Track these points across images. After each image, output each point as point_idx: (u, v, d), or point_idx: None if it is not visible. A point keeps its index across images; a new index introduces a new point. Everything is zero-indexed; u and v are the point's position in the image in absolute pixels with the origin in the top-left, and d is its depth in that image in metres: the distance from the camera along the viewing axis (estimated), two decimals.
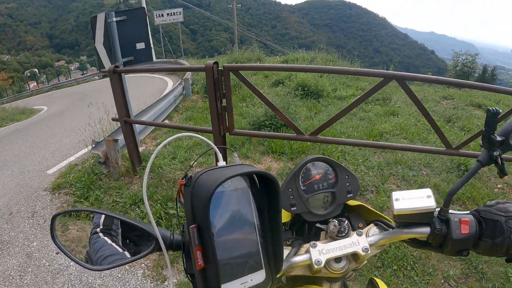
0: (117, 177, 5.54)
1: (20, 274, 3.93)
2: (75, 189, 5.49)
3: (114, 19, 5.63)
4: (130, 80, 5.31)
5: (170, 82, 15.56)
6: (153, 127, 7.64)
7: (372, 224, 1.13)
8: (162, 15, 25.03)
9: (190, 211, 0.70)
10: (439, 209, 0.99)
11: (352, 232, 1.06)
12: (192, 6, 65.00)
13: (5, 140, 10.38)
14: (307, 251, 1.02)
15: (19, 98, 31.10)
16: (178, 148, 6.27)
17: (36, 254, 4.27)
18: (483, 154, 0.97)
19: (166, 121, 8.32)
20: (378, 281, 1.24)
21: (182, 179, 0.75)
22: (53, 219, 0.88)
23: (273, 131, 6.25)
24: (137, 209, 4.66)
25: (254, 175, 0.77)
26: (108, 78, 5.03)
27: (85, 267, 0.84)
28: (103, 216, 0.90)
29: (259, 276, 0.76)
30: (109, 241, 0.86)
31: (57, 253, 4.16)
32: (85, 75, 34.00)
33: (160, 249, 0.80)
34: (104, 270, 0.86)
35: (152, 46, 6.11)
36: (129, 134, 5.22)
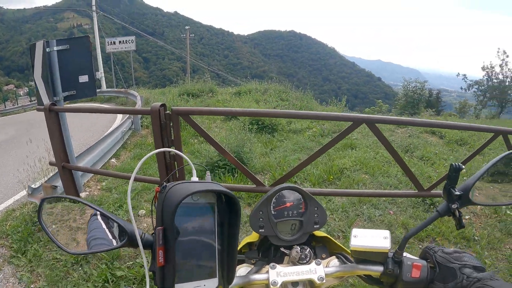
0: None
1: None
2: (12, 241, 4.85)
3: (55, 48, 5.16)
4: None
5: (119, 115, 14.98)
6: (102, 164, 7.18)
7: (334, 256, 1.19)
8: (114, 43, 24.63)
9: (160, 215, 0.76)
10: (394, 251, 1.04)
11: (312, 260, 1.11)
12: (145, 34, 64.62)
13: None
14: (267, 272, 1.09)
15: None
16: (125, 195, 5.73)
17: None
18: (443, 205, 1.03)
19: (113, 160, 7.77)
20: None
21: (159, 186, 0.85)
22: (42, 202, 0.94)
23: (228, 173, 5.86)
24: (79, 269, 4.09)
25: (222, 194, 0.83)
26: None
27: (63, 250, 0.90)
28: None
29: (212, 283, 0.83)
30: (104, 226, 0.92)
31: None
32: (33, 102, 32.71)
33: (131, 245, 0.84)
34: (79, 255, 1.09)
35: (96, 78, 5.65)
36: (68, 181, 4.70)
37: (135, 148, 8.75)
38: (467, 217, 5.26)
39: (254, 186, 3.56)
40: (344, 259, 1.15)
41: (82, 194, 5.29)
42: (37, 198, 5.08)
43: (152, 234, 0.85)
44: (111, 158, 7.85)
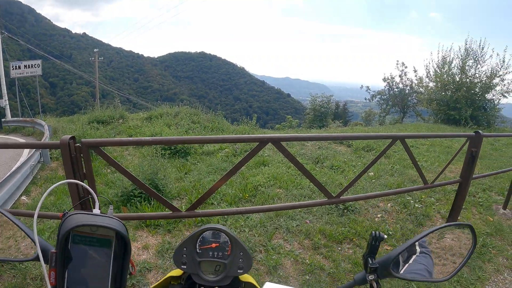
0: None
1: None
2: None
3: None
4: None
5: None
6: (12, 203, 6.68)
7: None
8: (19, 67, 23.31)
9: (57, 239, 0.81)
10: None
11: None
12: (51, 58, 61.38)
13: None
14: None
15: None
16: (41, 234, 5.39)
17: None
18: (360, 274, 1.02)
19: (23, 198, 7.30)
20: None
21: (63, 212, 0.89)
22: None
23: (144, 202, 5.75)
24: None
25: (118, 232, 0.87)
26: None
27: None
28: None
29: None
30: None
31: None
32: None
33: (38, 259, 0.89)
34: None
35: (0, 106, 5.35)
36: None
37: (46, 183, 8.24)
38: (378, 215, 5.63)
39: (171, 212, 3.54)
40: None
41: None
42: None
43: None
44: (21, 195, 7.34)
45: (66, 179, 3.40)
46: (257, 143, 3.54)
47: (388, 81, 30.21)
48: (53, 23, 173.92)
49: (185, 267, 1.24)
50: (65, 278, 0.80)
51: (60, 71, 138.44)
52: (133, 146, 10.20)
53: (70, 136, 3.14)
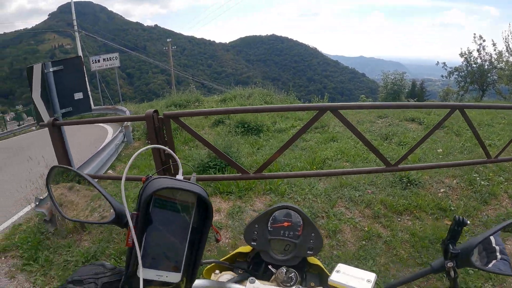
0: (65, 234, 5.31)
1: None
2: (22, 251, 5.19)
3: (51, 69, 5.52)
4: (68, 129, 5.17)
5: (109, 130, 15.23)
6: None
7: (321, 287, 1.19)
8: (99, 61, 24.83)
9: (138, 202, 0.81)
10: None
11: (297, 285, 1.10)
12: (127, 50, 64.36)
13: None
14: (245, 284, 1.09)
15: None
16: (127, 198, 6.10)
17: None
18: (438, 260, 0.97)
19: (110, 171, 8.19)
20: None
21: (145, 176, 0.87)
22: (52, 169, 1.08)
23: (218, 172, 6.27)
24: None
25: (200, 197, 0.85)
26: (46, 129, 4.90)
27: (62, 215, 1.06)
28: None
29: (175, 276, 0.85)
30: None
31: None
32: (22, 126, 32.44)
33: (118, 224, 0.93)
34: (74, 221, 1.16)
35: (89, 95, 6.02)
36: None
37: (129, 159, 8.98)
38: (442, 190, 5.58)
39: (241, 174, 4.02)
40: None
41: None
42: (44, 208, 5.43)
43: None
44: (107, 170, 8.21)
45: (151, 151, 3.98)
46: (317, 111, 3.79)
47: (466, 56, 28.00)
48: (125, 18, 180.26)
49: (255, 243, 1.27)
50: (143, 241, 0.80)
51: (136, 62, 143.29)
52: (208, 125, 10.81)
53: (154, 110, 3.73)
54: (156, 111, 3.78)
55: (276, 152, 3.97)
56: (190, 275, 0.90)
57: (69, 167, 1.16)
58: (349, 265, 1.05)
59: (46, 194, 5.60)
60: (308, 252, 1.27)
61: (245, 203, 5.45)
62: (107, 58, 25.46)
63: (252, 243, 1.28)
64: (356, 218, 4.84)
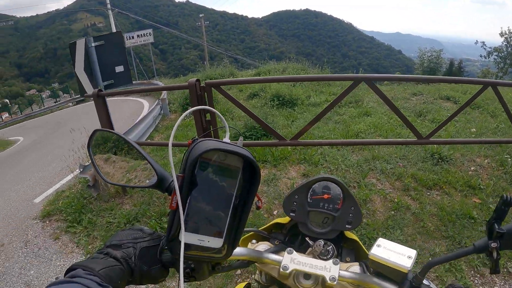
0: (107, 199, 5.61)
1: None
2: (66, 215, 5.53)
3: (93, 44, 5.76)
4: (110, 102, 5.44)
5: (146, 104, 15.61)
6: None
7: (357, 263, 1.16)
8: (133, 37, 25.11)
9: (184, 164, 0.78)
10: (415, 274, 0.97)
11: (335, 259, 1.06)
12: (160, 26, 64.90)
13: None
14: (282, 255, 1.07)
15: None
16: (164, 167, 6.32)
17: (34, 282, 4.27)
18: (481, 240, 0.92)
19: (148, 141, 8.43)
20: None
21: (191, 139, 0.84)
22: (94, 132, 1.06)
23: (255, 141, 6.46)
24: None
25: (248, 160, 0.81)
26: (82, 104, 5.15)
27: (102, 178, 1.03)
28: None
29: (217, 242, 0.83)
30: None
31: (56, 278, 4.16)
32: (58, 102, 33.32)
33: (160, 188, 0.90)
34: (114, 185, 1.08)
35: (129, 68, 6.25)
36: None
37: (167, 131, 9.49)
38: (472, 168, 5.58)
39: (278, 140, 4.26)
40: (365, 268, 1.12)
41: None
42: (88, 173, 5.75)
43: None
44: (146, 140, 8.52)
45: (193, 114, 4.21)
46: (351, 82, 3.94)
47: (506, 36, 26.57)
48: None
49: (293, 215, 1.25)
50: (186, 204, 0.78)
51: (169, 38, 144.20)
52: (244, 98, 10.98)
53: (196, 78, 3.97)
54: (198, 80, 4.01)
55: (312, 119, 4.14)
56: (232, 242, 0.86)
57: (112, 131, 1.10)
58: (388, 240, 1.01)
59: (90, 162, 5.90)
60: (347, 226, 1.26)
61: (280, 171, 5.65)
62: (141, 35, 25.67)
63: (291, 214, 1.27)
64: (387, 190, 4.96)
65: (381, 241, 1.00)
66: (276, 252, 1.13)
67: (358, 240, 1.29)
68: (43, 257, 4.78)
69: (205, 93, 4.06)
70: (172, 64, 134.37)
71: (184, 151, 0.83)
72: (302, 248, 1.23)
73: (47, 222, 5.69)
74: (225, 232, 0.83)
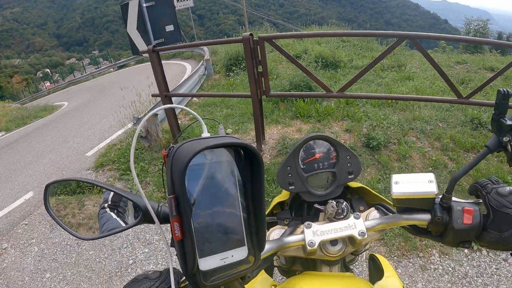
0: (158, 149, 5.93)
1: (77, 243, 4.31)
2: (119, 164, 5.93)
3: (144, 5, 6.04)
4: (149, 68, 5.71)
5: (188, 66, 15.93)
6: (186, 102, 8.25)
7: (373, 208, 1.12)
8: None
9: (170, 182, 0.67)
10: (441, 195, 0.94)
11: (350, 214, 1.02)
12: None
13: (34, 135, 10.87)
14: (302, 232, 1.00)
15: (36, 97, 31.22)
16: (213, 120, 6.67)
17: None
18: (492, 139, 0.91)
19: (194, 99, 8.83)
20: (379, 257, 1.27)
21: (165, 149, 0.74)
22: (46, 188, 0.90)
23: (298, 98, 6.68)
24: None
25: (240, 148, 0.73)
26: (125, 69, 5.41)
27: (75, 236, 0.88)
28: (111, 193, 0.89)
29: (241, 252, 0.74)
30: (114, 216, 0.87)
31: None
32: (100, 68, 34.10)
33: (147, 221, 0.78)
34: (92, 239, 0.90)
35: (179, 27, 6.51)
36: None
37: (212, 89, 9.79)
38: None
39: (325, 92, 4.60)
40: (384, 210, 1.09)
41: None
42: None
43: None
44: (191, 98, 8.81)
45: (247, 65, 4.49)
46: (396, 39, 4.07)
47: None
48: None
49: (293, 187, 1.18)
50: (192, 226, 0.66)
51: (206, 3, 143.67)
52: (286, 60, 11.08)
53: (249, 33, 4.28)
54: (251, 34, 4.30)
55: (358, 73, 4.38)
56: (258, 244, 0.77)
57: (69, 178, 0.96)
58: (400, 173, 0.99)
59: (143, 114, 6.26)
60: (349, 177, 1.20)
61: (323, 126, 5.91)
62: None
63: (290, 187, 1.18)
64: (425, 148, 5.11)
65: (396, 177, 0.95)
66: (293, 232, 1.06)
67: (363, 186, 1.26)
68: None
69: (258, 46, 4.34)
70: (210, 30, 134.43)
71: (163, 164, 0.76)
72: (314, 217, 1.20)
73: (101, 172, 6.08)
74: (245, 237, 0.74)
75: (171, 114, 5.78)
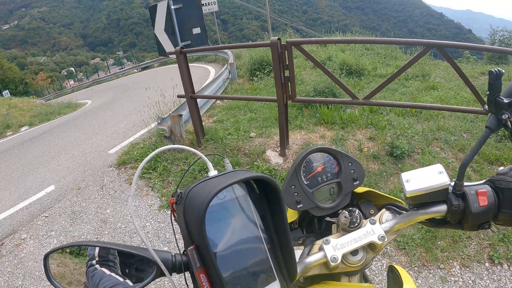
0: (181, 150, 5.91)
1: (97, 237, 4.34)
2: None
3: (173, 7, 6.11)
4: (175, 68, 5.74)
5: (212, 70, 15.89)
6: (210, 105, 8.27)
7: (384, 209, 1.11)
8: None
9: (186, 231, 0.65)
10: (453, 184, 0.95)
11: (364, 221, 1.01)
12: None
13: (58, 131, 11.06)
14: (321, 249, 0.97)
15: (61, 95, 31.83)
16: (237, 123, 6.76)
17: (110, 219, 4.70)
18: (491, 119, 0.93)
19: (218, 102, 8.90)
20: (399, 268, 1.23)
21: (172, 196, 0.71)
22: (46, 258, 0.81)
23: (322, 105, 6.66)
24: (205, 174, 5.14)
25: (251, 180, 0.71)
26: (147, 70, 5.46)
27: None
28: (97, 248, 0.81)
29: (274, 287, 0.71)
30: (108, 272, 0.79)
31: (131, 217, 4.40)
32: (124, 69, 34.52)
33: (163, 274, 0.71)
34: None
35: (206, 30, 6.60)
36: (194, 108, 5.78)
37: (235, 93, 9.80)
38: None
39: (351, 99, 4.65)
40: (396, 209, 1.09)
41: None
42: (165, 125, 6.16)
43: (184, 253, 0.73)
44: (215, 101, 8.89)
45: (273, 69, 4.53)
46: (423, 47, 4.05)
47: None
48: None
49: (301, 205, 1.15)
50: (220, 275, 0.62)
51: (230, 9, 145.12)
52: (310, 67, 11.06)
53: (277, 37, 4.33)
54: (279, 39, 4.35)
55: (384, 81, 4.44)
56: (289, 275, 0.76)
57: (67, 245, 0.81)
58: (408, 170, 0.98)
59: (167, 114, 6.31)
60: (355, 184, 1.19)
61: (347, 133, 5.88)
62: (206, 3, 25.87)
63: (298, 206, 1.15)
64: (449, 159, 5.06)
65: (406, 175, 0.95)
66: (310, 251, 1.03)
67: (370, 189, 1.23)
68: (119, 198, 5.25)
69: (285, 51, 4.37)
70: (233, 34, 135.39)
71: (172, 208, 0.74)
72: (326, 230, 1.18)
73: (123, 169, 6.16)
74: (274, 271, 0.72)
75: (195, 115, 5.84)
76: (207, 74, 14.77)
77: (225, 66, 11.56)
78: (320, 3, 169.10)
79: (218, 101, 8.78)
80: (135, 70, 29.43)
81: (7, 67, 55.52)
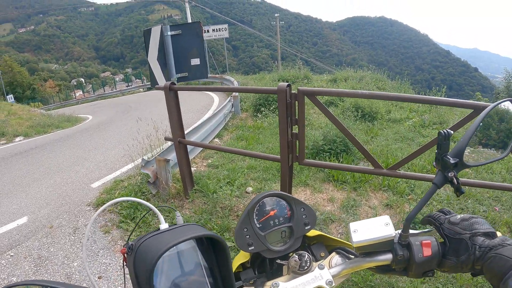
0: (166, 198, 5.33)
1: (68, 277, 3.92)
2: (121, 208, 5.31)
3: (169, 33, 5.53)
4: (180, 94, 5.20)
5: (216, 98, 15.73)
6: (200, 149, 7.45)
7: (334, 253, 1.14)
8: (208, 31, 25.49)
9: (135, 281, 0.67)
10: (399, 234, 0.98)
11: (314, 263, 1.05)
12: (235, 22, 66.08)
13: (50, 148, 10.69)
14: None
15: (65, 105, 32.63)
16: (233, 172, 6.08)
17: (76, 276, 4.10)
18: (438, 176, 0.96)
19: (216, 140, 8.29)
20: None
21: (124, 246, 0.74)
22: None
23: (332, 157, 6.00)
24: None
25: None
26: (153, 91, 4.86)
27: None
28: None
29: None
30: None
31: (99, 277, 3.97)
32: (130, 87, 34.81)
33: None
34: None
35: (207, 61, 5.94)
36: (183, 156, 5.05)
37: (237, 130, 9.21)
38: None
39: (373, 168, 3.60)
40: (346, 253, 1.12)
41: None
42: (149, 170, 5.45)
43: None
44: (214, 138, 8.29)
45: (279, 123, 3.71)
46: (471, 111, 3.05)
47: None
48: None
49: (252, 247, 1.15)
50: None
51: (242, 35, 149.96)
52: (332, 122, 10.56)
53: (287, 83, 3.49)
54: (289, 85, 3.54)
55: (415, 151, 3.48)
56: None
57: (29, 282, 0.79)
58: (356, 220, 1.02)
59: (153, 157, 5.68)
60: (306, 228, 1.19)
61: (359, 196, 5.16)
62: (217, 29, 26.15)
63: (249, 248, 1.14)
64: None
65: (353, 225, 0.99)
66: None
67: (321, 233, 1.25)
68: (90, 250, 4.63)
69: (296, 101, 3.56)
70: (243, 61, 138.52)
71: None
72: (277, 271, 1.18)
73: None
74: None
75: (184, 162, 5.12)
76: (210, 103, 14.43)
77: (229, 98, 10.96)
78: (331, 36, 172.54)
79: (216, 139, 8.18)
80: (141, 90, 29.61)
81: (17, 70, 57.10)
